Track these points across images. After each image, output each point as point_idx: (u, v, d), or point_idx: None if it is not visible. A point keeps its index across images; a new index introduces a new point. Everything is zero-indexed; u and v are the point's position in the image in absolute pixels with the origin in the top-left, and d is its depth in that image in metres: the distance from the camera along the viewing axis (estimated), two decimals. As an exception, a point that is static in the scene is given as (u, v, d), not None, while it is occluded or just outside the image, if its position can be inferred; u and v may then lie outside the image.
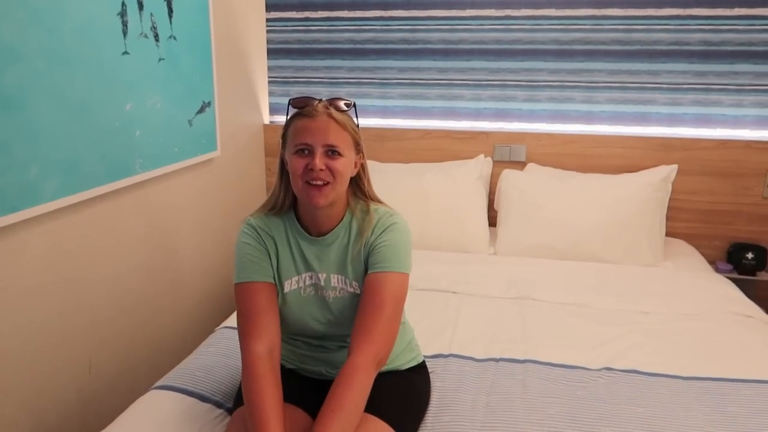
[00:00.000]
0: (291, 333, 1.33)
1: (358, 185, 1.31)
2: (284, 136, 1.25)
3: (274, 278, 1.27)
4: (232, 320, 1.80)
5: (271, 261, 1.27)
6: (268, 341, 1.19)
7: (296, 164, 1.19)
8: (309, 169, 1.17)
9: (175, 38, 2.04)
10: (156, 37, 1.94)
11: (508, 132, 2.66)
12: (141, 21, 1.85)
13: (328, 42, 2.79)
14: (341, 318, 1.28)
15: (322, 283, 1.28)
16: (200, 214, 2.33)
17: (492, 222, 2.57)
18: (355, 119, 1.26)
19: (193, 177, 2.25)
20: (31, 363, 1.53)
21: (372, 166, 2.70)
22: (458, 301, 1.93)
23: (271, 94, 2.91)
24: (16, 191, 1.42)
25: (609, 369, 1.53)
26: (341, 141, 1.19)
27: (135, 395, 1.89)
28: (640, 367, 1.54)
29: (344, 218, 1.29)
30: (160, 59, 1.96)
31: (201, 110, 2.23)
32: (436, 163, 2.64)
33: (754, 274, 2.47)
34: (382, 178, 2.52)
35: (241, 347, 1.21)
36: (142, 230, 1.95)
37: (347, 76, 2.81)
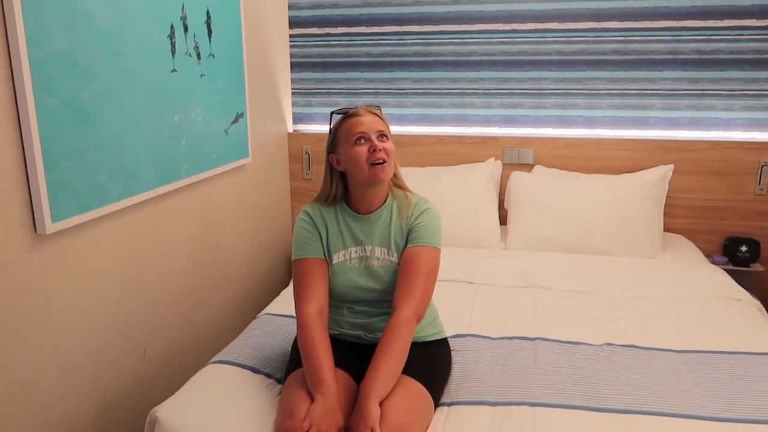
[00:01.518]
0: (339, 300, 1.56)
1: (394, 181, 1.59)
2: (334, 141, 1.52)
3: (324, 254, 1.53)
4: (272, 307, 2.01)
5: (322, 240, 1.53)
6: (318, 304, 1.46)
7: (359, 151, 1.45)
8: (371, 151, 1.44)
9: (213, 56, 2.26)
10: (198, 55, 2.16)
11: (517, 137, 2.87)
12: (186, 42, 2.07)
13: (348, 56, 3.01)
14: (384, 283, 1.52)
15: (368, 254, 1.53)
16: (236, 214, 2.54)
17: (503, 220, 2.76)
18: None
19: (229, 181, 2.46)
20: (97, 344, 1.74)
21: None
22: (474, 289, 2.12)
23: (294, 104, 3.13)
24: (90, 192, 1.64)
25: (610, 344, 1.73)
26: (385, 128, 1.51)
27: (181, 377, 2.10)
28: (638, 343, 1.73)
29: (387, 200, 1.56)
30: (201, 75, 2.18)
31: (235, 120, 2.45)
32: (450, 166, 2.84)
33: (747, 266, 2.65)
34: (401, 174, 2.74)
35: (295, 310, 1.48)
36: (187, 229, 2.16)
37: (365, 87, 3.02)
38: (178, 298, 2.13)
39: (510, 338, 1.78)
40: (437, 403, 1.45)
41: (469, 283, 2.19)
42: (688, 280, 2.21)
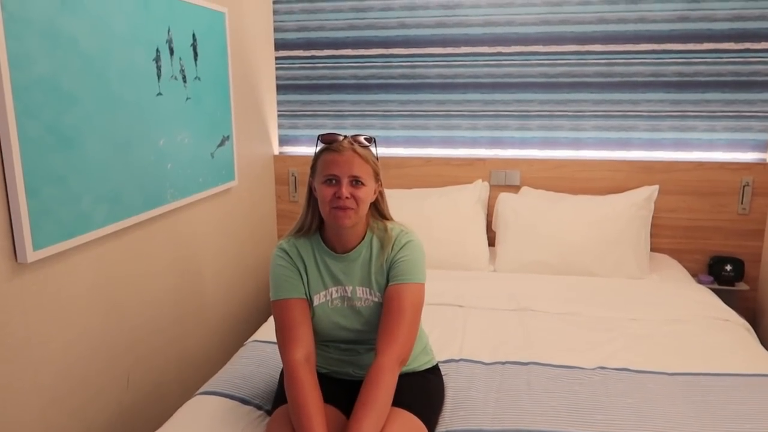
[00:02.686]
0: (322, 340, 1.50)
1: (377, 208, 1.52)
2: (313, 167, 1.45)
3: (306, 294, 1.45)
4: (260, 334, 1.97)
5: (302, 279, 1.46)
6: (305, 349, 1.37)
7: (325, 192, 1.38)
8: (336, 197, 1.36)
9: (199, 79, 2.24)
10: (184, 78, 2.14)
11: (503, 158, 2.88)
12: (172, 65, 2.05)
13: (334, 78, 3.01)
14: (370, 323, 1.46)
15: (350, 295, 1.46)
16: (221, 240, 2.50)
17: (491, 242, 2.76)
18: (374, 152, 1.46)
19: (215, 205, 2.43)
20: (80, 375, 1.69)
21: (377, 192, 2.91)
22: (464, 313, 2.11)
23: (280, 126, 3.11)
24: (72, 219, 1.60)
25: (603, 368, 1.72)
26: (363, 172, 1.38)
27: (166, 406, 2.06)
28: (630, 366, 1.72)
29: (365, 237, 1.48)
30: (187, 98, 2.16)
31: (221, 143, 2.42)
32: (437, 188, 2.84)
33: (733, 285, 2.67)
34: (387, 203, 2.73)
35: (281, 357, 1.39)
36: (172, 255, 2.12)
37: (351, 109, 3.02)
38: (162, 325, 2.08)
39: (503, 363, 1.76)
40: None
41: (459, 306, 2.17)
42: (677, 300, 2.21)
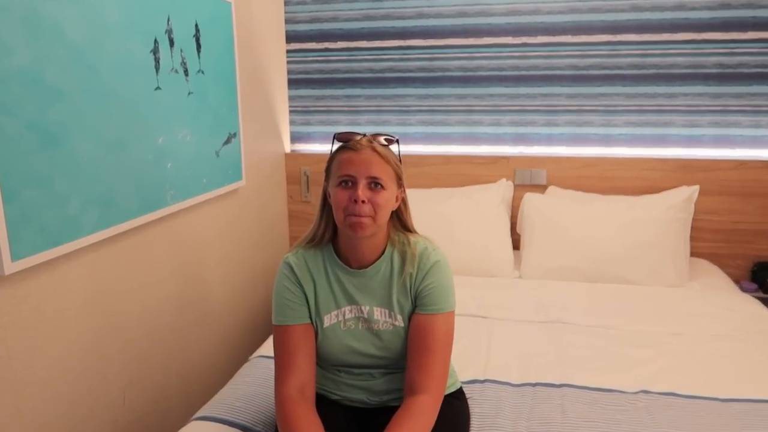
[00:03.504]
0: (333, 365, 1.34)
1: (399, 218, 1.34)
2: (328, 170, 1.29)
3: (311, 317, 1.30)
4: (265, 349, 1.81)
5: (308, 300, 1.30)
6: (299, 381, 1.24)
7: (340, 196, 1.21)
8: (352, 201, 1.19)
9: (203, 72, 2.09)
10: (186, 72, 1.99)
11: (529, 156, 2.69)
12: (172, 57, 1.90)
13: (348, 71, 2.84)
14: (389, 349, 1.30)
15: (366, 316, 1.30)
16: (228, 244, 2.35)
17: (515, 245, 2.58)
18: (397, 154, 1.29)
19: (221, 207, 2.28)
20: (70, 395, 1.54)
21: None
22: (489, 325, 1.93)
23: (291, 123, 2.96)
24: (58, 225, 1.45)
25: (646, 392, 1.53)
26: (384, 173, 1.22)
27: (167, 425, 1.91)
28: (677, 390, 1.54)
29: (385, 251, 1.30)
30: (189, 93, 2.01)
31: (227, 141, 2.27)
32: (458, 188, 2.67)
33: (779, 293, 2.47)
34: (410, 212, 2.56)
35: (274, 389, 1.26)
36: (173, 261, 1.98)
37: (367, 104, 2.85)
38: (162, 338, 1.93)
39: (533, 384, 1.58)
40: None
41: (483, 317, 1.99)
42: (722, 312, 2.02)
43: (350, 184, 1.21)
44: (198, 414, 1.45)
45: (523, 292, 2.20)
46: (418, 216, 2.52)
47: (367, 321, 1.30)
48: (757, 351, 1.75)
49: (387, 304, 1.29)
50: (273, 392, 1.48)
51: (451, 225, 2.44)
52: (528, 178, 2.67)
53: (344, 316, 1.30)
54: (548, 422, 1.40)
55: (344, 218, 1.22)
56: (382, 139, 1.26)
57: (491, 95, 2.72)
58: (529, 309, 2.04)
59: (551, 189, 2.62)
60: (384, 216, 1.23)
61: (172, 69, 1.91)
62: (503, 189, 2.58)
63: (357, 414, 1.34)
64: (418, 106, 2.80)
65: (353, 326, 1.30)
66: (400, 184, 1.29)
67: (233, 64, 2.29)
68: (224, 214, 2.32)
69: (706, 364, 1.67)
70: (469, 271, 2.38)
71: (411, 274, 1.27)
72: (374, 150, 1.22)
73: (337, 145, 1.28)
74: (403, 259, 1.29)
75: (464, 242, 2.42)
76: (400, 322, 1.29)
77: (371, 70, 2.82)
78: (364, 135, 1.26)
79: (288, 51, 2.88)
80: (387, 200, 1.23)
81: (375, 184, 1.21)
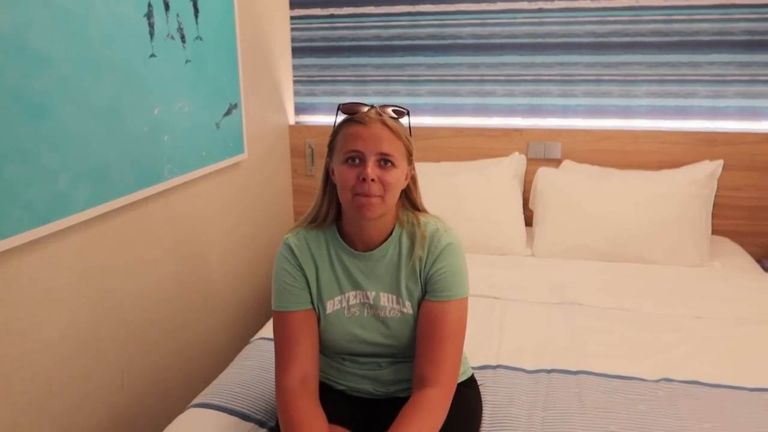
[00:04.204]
0: (337, 353, 1.27)
1: (408, 197, 1.25)
2: (331, 144, 1.19)
3: (312, 302, 1.22)
4: (266, 331, 1.74)
5: (309, 285, 1.22)
6: (301, 371, 1.17)
7: (346, 174, 1.12)
8: (360, 180, 1.10)
9: (201, 39, 1.98)
10: (182, 38, 1.88)
11: (543, 129, 2.58)
12: (167, 22, 1.79)
13: (354, 39, 2.72)
14: (396, 337, 1.22)
15: (372, 302, 1.22)
16: (229, 220, 2.27)
17: (528, 222, 2.48)
18: (407, 128, 1.19)
19: (222, 181, 2.19)
20: (64, 378, 1.48)
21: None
22: (501, 307, 1.85)
23: (296, 93, 2.85)
24: (46, 202, 1.37)
25: (668, 380, 1.45)
26: (395, 150, 1.13)
27: (167, 407, 1.86)
28: (701, 378, 1.46)
29: (393, 232, 1.22)
30: (186, 61, 1.90)
31: (228, 112, 2.17)
32: (469, 161, 2.56)
33: (804, 273, 2.36)
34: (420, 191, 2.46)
35: (275, 380, 1.20)
36: (171, 238, 1.90)
37: (374, 73, 2.73)
38: (161, 317, 1.86)
39: (548, 371, 1.50)
40: None
41: (495, 298, 1.91)
42: (746, 293, 1.93)
43: (358, 161, 1.12)
44: (196, 400, 1.39)
45: (536, 271, 2.11)
46: (427, 191, 2.41)
47: (373, 307, 1.22)
48: (784, 336, 1.66)
49: (395, 290, 1.21)
50: (274, 377, 1.41)
51: (461, 200, 2.34)
52: (542, 152, 2.56)
53: (348, 302, 1.22)
54: (565, 412, 1.33)
55: (351, 198, 1.12)
56: (391, 110, 1.16)
57: (505, 64, 2.59)
58: (544, 289, 1.95)
59: (566, 163, 2.51)
60: (394, 196, 1.15)
61: (168, 35, 1.80)
62: (516, 163, 2.47)
63: (363, 405, 1.27)
64: (427, 75, 2.68)
65: (358, 313, 1.22)
66: (410, 160, 1.20)
67: (233, 30, 2.18)
68: (225, 189, 2.23)
69: (732, 351, 1.59)
70: (480, 248, 2.29)
71: (421, 258, 1.19)
72: (384, 123, 1.12)
73: (342, 117, 1.18)
74: (413, 241, 1.20)
75: (475, 218, 2.32)
76: (408, 309, 1.21)
77: (379, 38, 2.69)
78: (372, 106, 1.16)
79: (292, 17, 2.75)
80: (398, 179, 1.14)
81: (385, 161, 1.12)
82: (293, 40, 2.78)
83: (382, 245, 1.21)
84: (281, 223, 2.76)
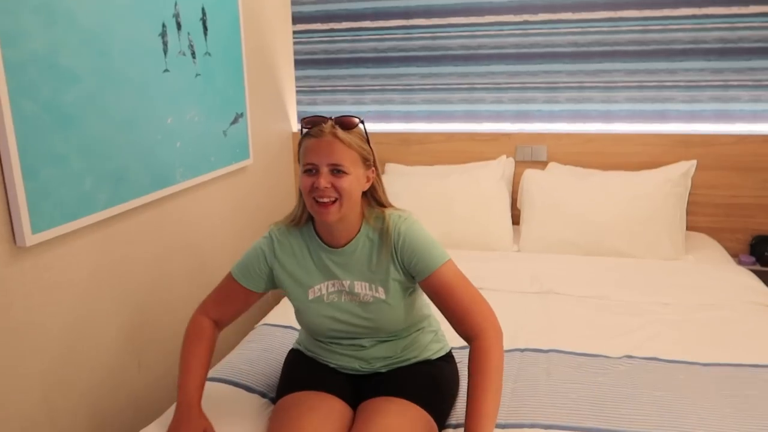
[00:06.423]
0: (322, 335, 1.42)
1: (373, 196, 1.37)
2: (299, 154, 1.33)
3: (264, 290, 1.43)
4: (271, 317, 1.92)
5: (274, 280, 1.41)
6: (217, 316, 1.44)
7: (304, 183, 1.28)
8: (315, 188, 1.25)
9: (210, 54, 2.16)
10: (193, 54, 2.06)
11: (530, 133, 2.74)
12: (179, 40, 1.98)
13: (353, 51, 2.90)
14: (373, 319, 1.36)
15: (347, 289, 1.36)
16: (237, 219, 2.45)
17: (515, 220, 2.64)
18: (364, 134, 1.32)
19: (229, 184, 2.37)
20: (88, 360, 1.66)
21: (397, 169, 2.82)
22: (484, 296, 2.00)
23: (299, 103, 3.03)
24: (75, 201, 1.55)
25: (630, 357, 1.61)
26: (346, 159, 1.25)
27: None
28: (660, 355, 1.61)
29: (361, 229, 1.35)
30: (197, 75, 2.09)
31: (234, 121, 2.35)
32: (460, 164, 2.73)
33: (776, 266, 2.50)
34: (408, 180, 2.63)
35: (194, 313, 1.45)
36: (184, 236, 2.08)
37: (371, 83, 2.91)
38: (174, 306, 2.04)
39: (522, 350, 1.66)
40: (442, 426, 1.35)
41: (479, 288, 2.05)
42: (714, 283, 2.07)
43: (314, 171, 1.26)
44: (208, 376, 1.55)
45: (520, 264, 2.27)
46: (420, 192, 2.61)
47: (350, 293, 1.36)
48: (742, 320, 1.81)
49: (367, 278, 1.35)
50: (275, 356, 1.59)
51: (452, 201, 2.51)
52: (529, 155, 2.72)
53: (327, 289, 1.37)
54: (533, 384, 1.49)
55: (311, 205, 1.28)
56: (347, 122, 1.27)
57: (493, 73, 2.76)
58: (524, 280, 2.11)
59: (551, 165, 2.67)
60: (350, 200, 1.27)
61: (180, 52, 1.99)
62: (503, 165, 2.64)
63: (352, 379, 1.42)
64: (421, 84, 2.85)
65: (336, 299, 1.37)
66: (368, 164, 1.31)
67: (239, 45, 2.37)
68: (233, 192, 2.41)
69: (692, 332, 1.74)
70: (469, 245, 2.46)
71: (390, 249, 1.32)
72: (335, 136, 1.24)
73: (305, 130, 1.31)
74: (380, 233, 1.34)
75: (465, 217, 2.49)
76: (381, 294, 1.34)
77: (375, 50, 2.87)
78: (329, 119, 1.28)
79: (294, 32, 2.94)
80: (350, 183, 1.26)
81: (337, 170, 1.25)
82: (296, 53, 2.97)
83: (352, 241, 1.35)
84: (285, 225, 2.93)
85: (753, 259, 2.53)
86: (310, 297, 1.38)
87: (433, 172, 2.67)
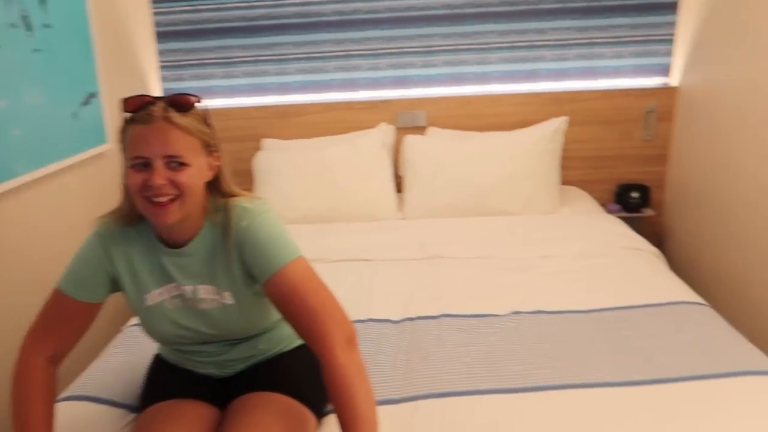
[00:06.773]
0: (168, 343, 1.26)
1: (216, 187, 1.17)
2: (122, 145, 1.09)
3: (101, 299, 1.18)
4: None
5: (111, 284, 1.18)
6: (54, 350, 1.14)
7: (134, 180, 1.04)
8: (149, 186, 1.03)
9: (50, 26, 1.91)
10: (28, 26, 1.81)
11: (409, 98, 2.71)
12: (8, 10, 1.72)
13: (219, 21, 2.71)
14: (220, 327, 1.20)
15: (189, 295, 1.17)
16: (98, 209, 2.22)
17: (399, 189, 2.62)
18: (204, 115, 1.11)
19: (85, 174, 2.14)
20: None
21: (275, 144, 2.69)
22: (371, 268, 1.97)
23: (164, 79, 2.80)
24: None
25: (517, 313, 1.63)
26: (185, 149, 1.04)
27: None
28: (545, 307, 1.65)
29: (204, 225, 1.16)
30: (34, 50, 1.84)
31: (86, 102, 2.12)
32: (339, 135, 2.65)
33: (639, 211, 2.68)
34: (287, 155, 2.52)
35: (20, 352, 1.13)
36: (32, 236, 1.84)
37: (242, 54, 2.74)
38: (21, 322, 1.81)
39: (413, 319, 1.64)
40: (322, 413, 1.25)
41: (366, 260, 2.03)
42: (588, 233, 2.17)
43: (145, 165, 1.03)
44: (63, 394, 1.37)
45: (405, 232, 2.26)
46: (300, 167, 2.50)
47: (192, 300, 1.18)
48: (618, 266, 1.90)
49: (212, 281, 1.16)
50: (146, 362, 1.39)
51: (333, 173, 2.44)
52: (409, 121, 2.70)
53: (170, 293, 1.18)
54: (425, 353, 1.47)
55: (145, 205, 1.05)
56: (183, 102, 1.06)
57: (368, 39, 2.69)
58: (412, 248, 2.09)
59: (431, 130, 2.66)
60: (192, 195, 1.07)
61: (10, 24, 1.73)
62: (384, 133, 2.59)
63: (210, 381, 1.28)
64: (295, 54, 2.72)
65: (180, 304, 1.18)
66: (210, 150, 1.12)
67: (85, 16, 2.11)
68: (90, 182, 2.18)
69: (572, 282, 1.80)
70: (354, 216, 2.41)
71: (236, 248, 1.13)
72: (169, 121, 1.03)
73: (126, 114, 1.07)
74: (224, 230, 1.14)
75: (347, 189, 2.43)
76: (228, 299, 1.17)
77: (244, 18, 2.70)
78: (158, 99, 1.05)
79: (153, 1, 2.69)
80: (192, 177, 1.06)
81: (175, 162, 1.04)
82: (156, 24, 2.73)
83: (193, 240, 1.15)
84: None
85: (619, 206, 2.69)
86: (149, 302, 1.18)
87: (312, 145, 2.58)
